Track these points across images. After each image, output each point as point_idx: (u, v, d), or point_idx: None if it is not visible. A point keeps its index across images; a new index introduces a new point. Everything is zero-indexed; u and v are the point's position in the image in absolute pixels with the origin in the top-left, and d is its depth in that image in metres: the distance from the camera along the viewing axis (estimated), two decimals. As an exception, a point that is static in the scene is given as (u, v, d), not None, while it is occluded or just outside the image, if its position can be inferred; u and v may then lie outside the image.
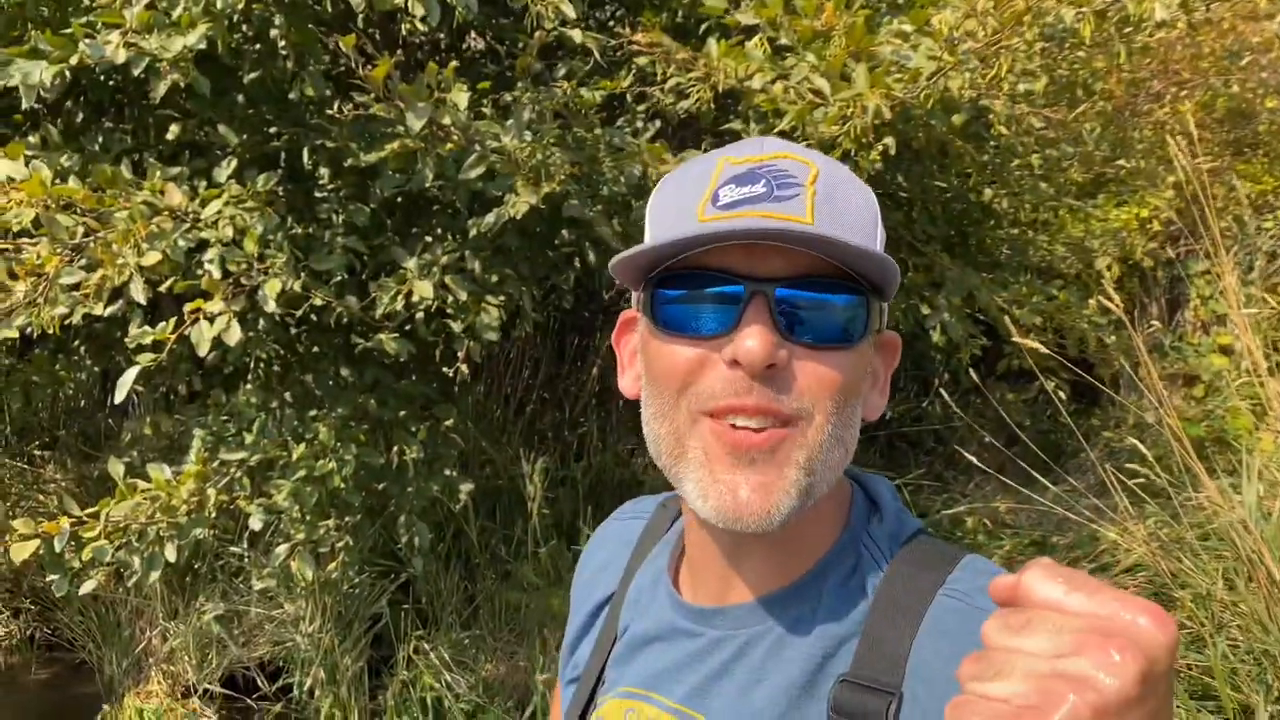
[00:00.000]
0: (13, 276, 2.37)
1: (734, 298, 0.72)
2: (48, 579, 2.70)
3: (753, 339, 0.70)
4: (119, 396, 2.31)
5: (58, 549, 2.69)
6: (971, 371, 3.18)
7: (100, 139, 3.14)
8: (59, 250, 2.44)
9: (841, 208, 0.74)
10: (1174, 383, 4.67)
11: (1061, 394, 3.53)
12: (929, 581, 0.74)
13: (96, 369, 3.66)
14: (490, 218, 2.64)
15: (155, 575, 2.84)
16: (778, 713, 0.75)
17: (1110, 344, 3.94)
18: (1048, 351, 2.58)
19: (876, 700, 0.70)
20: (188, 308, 2.41)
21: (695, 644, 0.81)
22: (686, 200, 0.75)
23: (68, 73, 2.73)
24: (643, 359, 0.80)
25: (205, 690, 3.90)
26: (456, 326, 3.10)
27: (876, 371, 0.81)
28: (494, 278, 3.10)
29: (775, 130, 2.63)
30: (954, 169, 4.12)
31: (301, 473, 3.09)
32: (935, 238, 4.05)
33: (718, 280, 0.73)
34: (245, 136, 3.15)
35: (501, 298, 3.08)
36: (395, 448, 3.49)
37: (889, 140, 2.49)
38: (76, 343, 3.64)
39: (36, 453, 5.30)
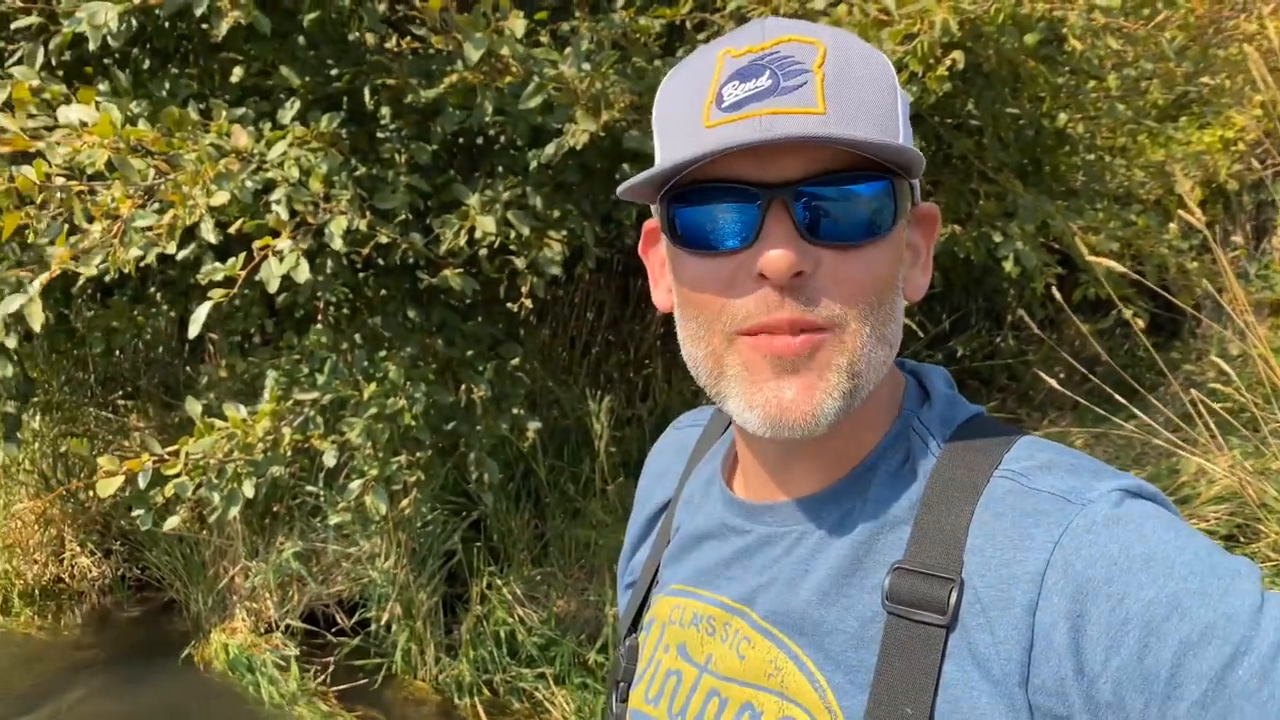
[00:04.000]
0: (89, 219, 2.43)
1: (751, 207, 0.69)
2: (133, 514, 2.80)
3: (775, 248, 0.67)
4: (193, 331, 2.37)
5: (141, 485, 2.79)
6: (1054, 292, 3.09)
7: (167, 85, 3.18)
8: (132, 192, 2.49)
9: (855, 87, 0.69)
10: (1259, 312, 4.50)
11: (1139, 321, 3.42)
12: (984, 463, 0.72)
13: (174, 314, 3.75)
14: (550, 148, 2.62)
15: (235, 511, 2.92)
16: (824, 599, 0.74)
17: (1191, 270, 3.80)
18: (1124, 270, 2.48)
19: (936, 587, 0.68)
20: (256, 244, 2.45)
21: (744, 540, 0.80)
22: (691, 105, 0.71)
23: (133, 20, 2.77)
24: (671, 274, 0.78)
25: (287, 626, 4.02)
26: (520, 263, 3.11)
27: (917, 248, 0.78)
28: (556, 213, 3.10)
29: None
30: (1027, 93, 3.98)
31: (373, 410, 3.14)
32: (1007, 165, 3.93)
33: (732, 191, 0.70)
34: (307, 78, 3.17)
35: (564, 233, 3.07)
36: (463, 386, 3.53)
37: (957, 55, 2.40)
38: (153, 289, 3.74)
39: (120, 401, 5.48)
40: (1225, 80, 4.17)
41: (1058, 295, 2.76)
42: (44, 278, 2.18)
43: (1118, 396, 2.89)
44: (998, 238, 3.53)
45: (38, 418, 4.71)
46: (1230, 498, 3.22)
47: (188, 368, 5.20)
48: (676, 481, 0.95)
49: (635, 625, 0.93)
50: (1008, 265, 3.60)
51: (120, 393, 5.53)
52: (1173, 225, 3.71)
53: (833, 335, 0.70)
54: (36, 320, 2.16)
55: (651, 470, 1.02)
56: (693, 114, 0.70)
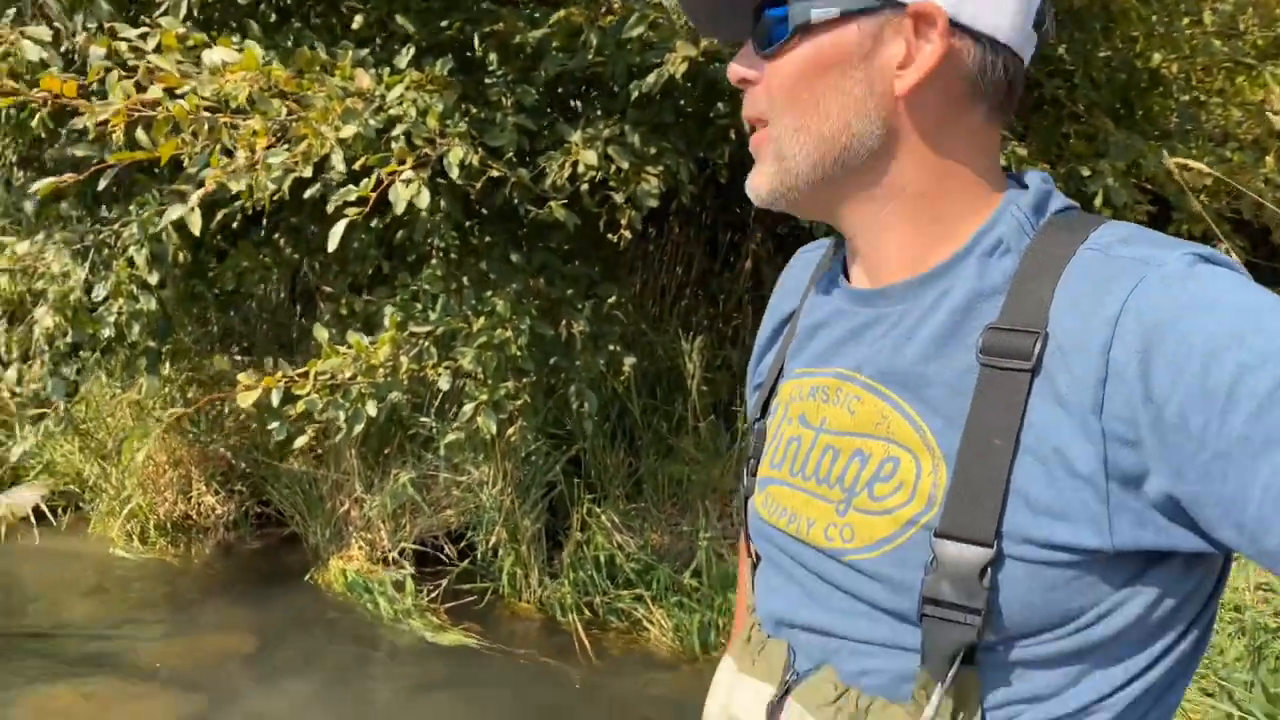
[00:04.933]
0: (233, 149, 2.67)
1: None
2: (269, 427, 3.06)
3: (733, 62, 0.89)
4: (331, 245, 2.59)
5: (274, 402, 3.05)
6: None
7: (291, 38, 3.43)
8: (270, 127, 2.72)
9: None
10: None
11: (1235, 256, 3.42)
12: (1073, 240, 0.80)
13: (296, 256, 4.02)
14: (651, 78, 2.77)
15: (359, 428, 3.16)
16: (925, 358, 0.83)
17: (1290, 205, 3.77)
18: (1212, 173, 2.50)
19: (1022, 339, 0.77)
20: (384, 171, 2.66)
21: (854, 321, 0.91)
22: None
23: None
24: None
25: (402, 549, 4.29)
26: (619, 197, 3.28)
27: (910, 45, 0.83)
28: (652, 150, 3.26)
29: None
30: (1119, 32, 3.98)
31: (482, 340, 3.35)
32: (1099, 105, 3.94)
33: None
34: (421, 27, 3.38)
35: (660, 168, 3.23)
36: (564, 322, 3.72)
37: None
38: (276, 236, 4.02)
39: (237, 356, 5.84)
40: (1328, 16, 4.10)
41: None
42: (201, 192, 2.43)
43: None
44: (1086, 172, 3.56)
45: (167, 364, 5.06)
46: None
47: (302, 320, 5.52)
48: (802, 292, 1.04)
49: (763, 414, 1.03)
50: (1097, 203, 3.62)
51: (236, 348, 5.89)
52: (1269, 159, 3.68)
53: (769, 130, 0.88)
54: (195, 226, 2.41)
55: (781, 288, 1.11)
56: None
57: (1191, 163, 2.42)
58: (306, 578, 4.44)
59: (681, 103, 3.61)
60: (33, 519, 5.05)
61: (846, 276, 0.96)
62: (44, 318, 3.44)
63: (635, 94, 2.92)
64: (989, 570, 0.76)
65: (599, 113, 3.46)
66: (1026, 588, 0.76)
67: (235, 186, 2.42)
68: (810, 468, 0.90)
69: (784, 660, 0.90)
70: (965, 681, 0.78)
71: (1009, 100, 0.87)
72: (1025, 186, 0.89)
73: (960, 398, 0.80)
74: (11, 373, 3.57)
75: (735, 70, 0.90)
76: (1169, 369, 0.69)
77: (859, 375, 0.88)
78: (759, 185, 0.90)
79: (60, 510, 5.17)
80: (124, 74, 2.50)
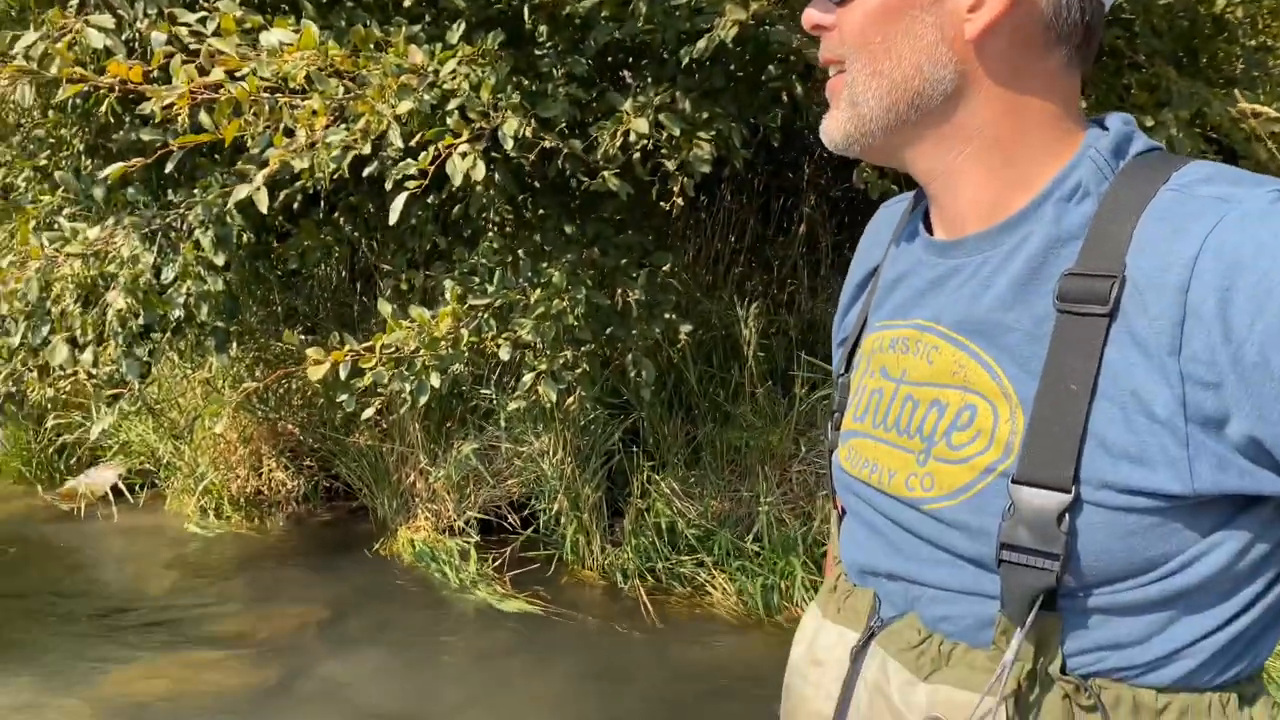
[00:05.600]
0: (290, 133, 2.72)
1: None
2: (337, 399, 3.13)
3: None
4: (392, 219, 2.64)
5: (342, 376, 3.12)
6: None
7: (345, 17, 3.46)
8: (328, 104, 2.76)
9: None
10: None
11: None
12: (1154, 180, 0.78)
13: (356, 235, 4.09)
14: (701, 43, 2.77)
15: (424, 399, 3.22)
16: (1003, 306, 0.82)
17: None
18: (1276, 116, 2.42)
19: (1100, 284, 0.76)
20: (442, 143, 2.69)
21: (935, 272, 0.90)
22: None
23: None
24: None
25: (468, 519, 4.37)
26: (671, 165, 3.28)
27: None
28: (704, 115, 3.25)
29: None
30: (1180, -22, 3.86)
31: (540, 310, 3.38)
32: (1160, 53, 3.83)
33: None
34: (470, 2, 3.39)
35: (712, 133, 3.22)
36: (619, 291, 3.74)
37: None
38: (336, 215, 4.08)
39: (301, 335, 5.95)
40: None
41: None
42: (265, 171, 2.48)
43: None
44: (1149, 122, 3.47)
45: (235, 344, 5.18)
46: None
47: (362, 299, 5.62)
48: (885, 246, 1.04)
49: (848, 369, 1.03)
50: (1161, 152, 3.54)
51: (300, 327, 6.01)
52: (1341, 102, 3.55)
53: (844, 75, 0.89)
54: (263, 204, 2.47)
55: (864, 242, 1.11)
56: None
57: (1259, 108, 2.35)
58: (375, 548, 4.54)
59: (732, 67, 3.59)
60: (111, 497, 5.23)
61: (928, 229, 0.96)
62: (116, 300, 3.54)
63: (685, 60, 2.92)
64: (1066, 515, 0.75)
65: (649, 80, 3.45)
66: (1105, 533, 0.75)
67: (298, 165, 2.47)
68: (891, 419, 0.91)
69: (869, 608, 0.92)
70: (1045, 626, 0.78)
71: (1088, 44, 0.85)
72: (1107, 129, 0.87)
73: (1038, 344, 0.79)
74: (88, 355, 3.68)
75: (809, 16, 0.90)
76: (1248, 307, 0.68)
77: (937, 325, 0.88)
78: (833, 130, 0.90)
79: (137, 488, 5.34)
80: (186, 58, 2.56)
